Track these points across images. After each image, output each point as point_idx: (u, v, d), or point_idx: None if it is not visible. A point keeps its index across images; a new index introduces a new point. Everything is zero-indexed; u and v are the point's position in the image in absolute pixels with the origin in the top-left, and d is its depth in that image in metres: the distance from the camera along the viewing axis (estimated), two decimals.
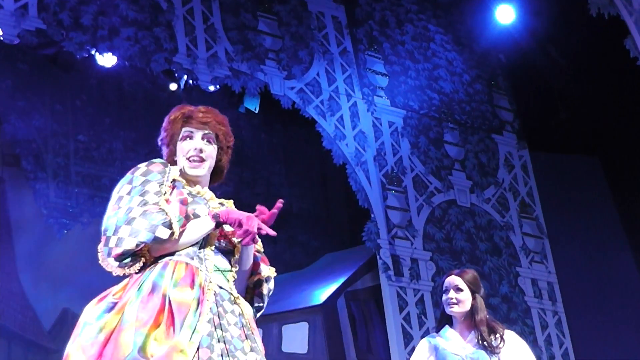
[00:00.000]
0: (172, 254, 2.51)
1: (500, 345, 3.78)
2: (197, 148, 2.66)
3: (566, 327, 8.04)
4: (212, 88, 7.26)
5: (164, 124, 2.74)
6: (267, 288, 2.77)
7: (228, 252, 2.63)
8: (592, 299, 8.12)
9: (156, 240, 2.42)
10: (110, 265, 2.46)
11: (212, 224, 2.54)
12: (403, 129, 8.09)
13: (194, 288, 2.44)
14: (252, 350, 2.48)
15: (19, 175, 7.41)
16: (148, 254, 2.48)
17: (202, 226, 2.53)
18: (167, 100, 7.10)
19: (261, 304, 2.77)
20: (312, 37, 7.91)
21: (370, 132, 7.88)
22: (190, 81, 7.21)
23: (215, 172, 2.76)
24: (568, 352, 7.93)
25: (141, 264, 2.47)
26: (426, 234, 7.72)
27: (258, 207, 2.58)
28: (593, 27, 7.36)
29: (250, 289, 2.76)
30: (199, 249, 2.55)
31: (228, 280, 2.59)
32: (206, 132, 2.69)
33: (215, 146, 2.70)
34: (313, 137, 7.77)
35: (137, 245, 2.41)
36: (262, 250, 2.83)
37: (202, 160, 2.66)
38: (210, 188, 2.76)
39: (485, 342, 3.76)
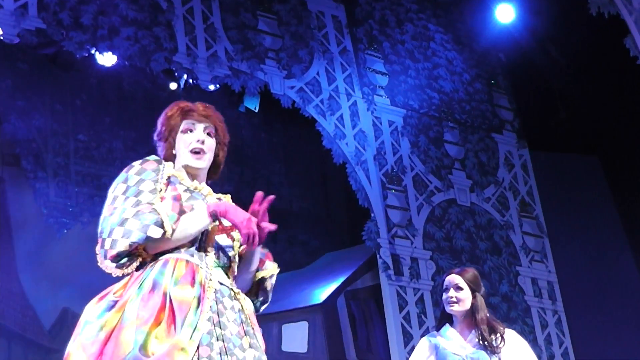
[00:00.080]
0: (172, 250, 2.51)
1: (501, 345, 3.78)
2: (200, 140, 2.67)
3: (566, 327, 8.04)
4: (212, 87, 7.26)
5: (162, 119, 2.75)
6: (270, 284, 2.79)
7: (228, 247, 2.63)
8: (592, 298, 8.12)
9: (148, 239, 2.42)
10: (108, 267, 2.47)
11: (208, 220, 2.54)
12: (403, 128, 8.09)
13: (195, 286, 2.44)
14: (250, 346, 2.48)
15: (19, 175, 7.40)
16: (145, 253, 2.48)
17: (197, 221, 2.53)
18: (167, 100, 7.04)
19: (266, 299, 2.79)
20: (312, 37, 7.91)
21: (370, 131, 7.88)
22: (190, 80, 7.21)
23: (212, 168, 2.77)
24: (568, 351, 7.94)
25: (138, 262, 2.47)
26: (426, 233, 7.72)
27: (255, 198, 2.58)
28: (593, 26, 7.36)
29: (254, 285, 2.77)
30: (200, 245, 2.55)
31: (228, 276, 2.59)
32: (207, 125, 2.71)
33: (215, 140, 2.73)
34: (313, 136, 7.76)
35: (130, 246, 2.42)
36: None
37: (204, 152, 2.68)
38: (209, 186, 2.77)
39: (485, 342, 3.75)
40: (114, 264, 2.45)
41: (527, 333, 7.57)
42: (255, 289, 2.76)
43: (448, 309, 3.87)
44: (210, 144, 2.71)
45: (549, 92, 8.72)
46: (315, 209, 8.76)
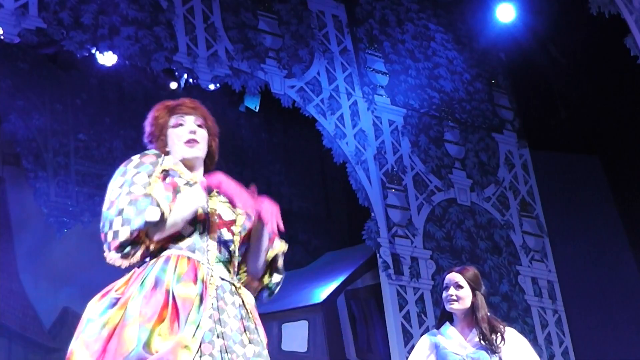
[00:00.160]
0: (173, 246, 2.52)
1: (501, 345, 3.77)
2: (192, 130, 2.70)
3: (566, 326, 8.04)
4: (212, 87, 7.26)
5: (150, 120, 2.77)
6: (282, 262, 2.80)
7: (229, 241, 2.63)
8: (592, 298, 8.12)
9: (148, 223, 2.42)
10: (113, 258, 2.46)
11: (203, 194, 2.55)
12: (403, 128, 8.09)
13: (197, 283, 2.45)
14: (251, 342, 2.49)
15: (19, 175, 7.41)
16: (147, 239, 2.48)
17: (193, 198, 2.53)
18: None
19: (280, 278, 2.80)
20: (313, 36, 7.91)
21: (371, 130, 7.88)
22: (191, 80, 7.21)
23: (206, 160, 2.78)
24: (568, 350, 7.94)
25: (142, 250, 2.47)
26: (426, 232, 7.72)
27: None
28: (593, 26, 7.36)
29: (267, 266, 2.78)
30: (201, 240, 2.56)
31: (229, 271, 2.59)
32: (196, 116, 2.74)
33: (206, 131, 2.75)
34: (313, 136, 7.77)
35: (132, 234, 2.41)
36: None
37: (197, 141, 2.70)
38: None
39: (486, 341, 3.75)
40: (119, 254, 2.44)
41: (527, 332, 7.57)
42: (269, 269, 2.77)
43: (448, 307, 3.86)
44: (202, 134, 2.73)
45: (550, 92, 8.72)
46: (316, 208, 8.77)
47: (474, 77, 8.77)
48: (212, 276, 2.50)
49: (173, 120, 2.73)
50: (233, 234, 2.64)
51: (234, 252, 2.64)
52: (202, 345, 2.36)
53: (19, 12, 6.39)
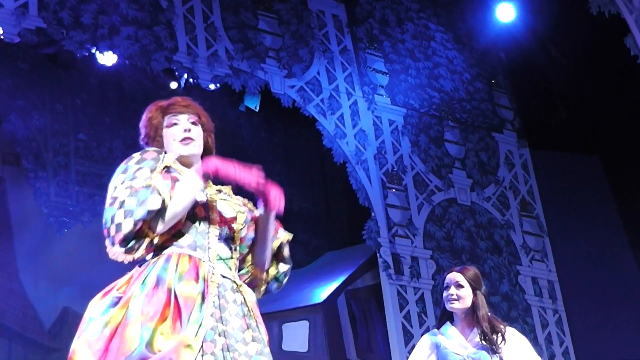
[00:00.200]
0: (174, 243, 2.51)
1: (502, 345, 3.77)
2: (186, 129, 2.70)
3: (566, 326, 8.04)
4: (212, 87, 7.26)
5: (144, 122, 2.78)
6: (288, 251, 2.82)
7: (229, 239, 2.63)
8: (593, 298, 8.12)
9: (151, 212, 2.42)
10: (117, 253, 2.45)
11: (201, 181, 2.55)
12: (403, 128, 8.09)
13: (199, 281, 2.45)
14: (253, 340, 2.49)
15: (19, 174, 7.41)
16: (150, 232, 2.46)
17: (191, 184, 2.52)
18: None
19: (287, 267, 2.82)
20: (313, 36, 7.91)
21: (371, 130, 7.88)
22: (191, 80, 7.20)
23: (204, 156, 2.77)
24: (568, 350, 7.93)
25: (146, 244, 2.46)
26: (426, 232, 7.72)
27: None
28: (593, 26, 7.37)
29: (274, 255, 2.79)
30: (202, 237, 2.55)
31: (230, 268, 2.59)
32: (190, 114, 2.74)
33: (200, 127, 2.75)
34: (313, 135, 7.77)
35: (135, 225, 2.40)
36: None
37: (193, 139, 2.70)
38: None
39: (487, 340, 3.75)
40: (123, 249, 2.43)
41: (528, 332, 7.56)
42: (275, 260, 2.79)
43: (448, 306, 3.86)
44: (197, 131, 2.73)
45: (550, 91, 8.72)
46: (316, 208, 8.76)
47: (474, 77, 8.77)
48: (213, 274, 2.50)
49: (167, 120, 2.73)
50: (234, 232, 2.64)
51: (235, 249, 2.64)
52: (204, 344, 2.35)
53: (18, 11, 6.38)
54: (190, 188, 2.52)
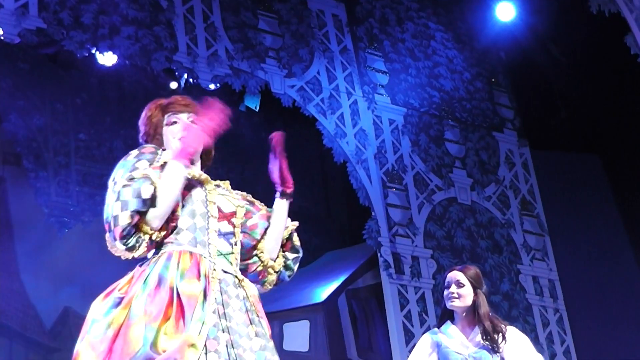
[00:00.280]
0: (174, 241, 2.51)
1: (502, 344, 3.77)
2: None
3: (567, 325, 8.03)
4: (212, 86, 7.26)
5: (143, 120, 2.78)
6: (297, 238, 2.89)
7: (229, 234, 2.63)
8: (594, 296, 8.12)
9: (145, 202, 2.41)
10: (119, 250, 2.45)
11: (175, 162, 2.53)
12: (404, 127, 8.09)
13: (201, 279, 2.44)
14: (257, 335, 2.48)
15: (20, 174, 7.41)
16: (148, 227, 2.45)
17: (171, 169, 2.51)
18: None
19: (297, 256, 2.91)
20: (313, 36, 7.91)
21: (371, 130, 7.88)
22: (191, 80, 7.21)
23: (203, 155, 2.78)
24: (569, 349, 7.93)
25: (146, 241, 2.45)
26: (427, 231, 7.72)
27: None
28: (593, 25, 7.37)
29: (283, 243, 2.83)
30: (202, 233, 2.55)
31: (231, 263, 2.59)
32: (190, 113, 2.74)
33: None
34: (313, 135, 7.77)
35: (132, 217, 2.40)
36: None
37: None
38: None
39: (489, 339, 3.74)
40: (124, 247, 2.43)
41: (529, 331, 7.56)
42: (283, 248, 2.84)
43: (449, 304, 3.86)
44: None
45: (550, 91, 8.73)
46: (316, 207, 8.76)
47: (474, 76, 8.77)
48: (214, 270, 2.50)
49: (167, 119, 2.74)
50: (234, 226, 2.65)
51: (235, 243, 2.64)
52: (207, 342, 2.35)
53: (19, 12, 6.39)
54: (172, 174, 2.50)
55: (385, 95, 8.13)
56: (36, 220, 7.29)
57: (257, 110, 7.62)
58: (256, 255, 2.77)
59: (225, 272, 2.53)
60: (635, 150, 8.15)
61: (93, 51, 6.79)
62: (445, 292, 3.87)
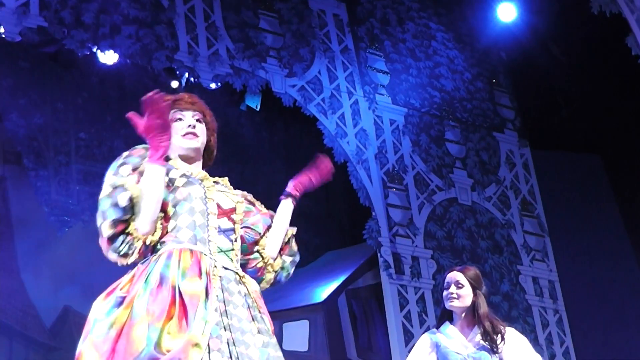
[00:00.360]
0: (174, 239, 2.50)
1: (501, 345, 3.77)
2: (190, 124, 2.72)
3: (567, 326, 8.03)
4: (213, 86, 7.26)
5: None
6: (294, 242, 2.90)
7: (229, 230, 2.63)
8: (594, 297, 8.12)
9: (123, 210, 2.42)
10: (112, 257, 2.47)
11: (151, 164, 2.49)
12: (404, 127, 8.09)
13: (202, 277, 2.43)
14: (259, 332, 2.48)
15: (20, 173, 7.41)
16: (139, 233, 2.46)
17: (149, 170, 2.49)
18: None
19: (293, 259, 2.91)
20: (314, 35, 7.91)
21: (372, 130, 7.88)
22: (192, 79, 7.21)
23: (205, 155, 2.79)
24: (569, 350, 7.93)
25: (140, 247, 2.45)
26: (427, 232, 7.72)
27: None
28: (594, 25, 7.37)
29: (282, 247, 2.84)
30: (201, 231, 2.54)
31: (232, 260, 2.58)
32: (195, 112, 2.75)
33: (204, 125, 2.77)
34: (314, 135, 7.76)
35: (113, 225, 2.41)
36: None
37: (196, 135, 2.72)
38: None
39: (488, 339, 3.74)
40: (116, 254, 2.45)
41: (528, 332, 7.56)
42: (281, 251, 2.84)
43: (448, 304, 3.86)
44: (201, 128, 2.75)
45: (551, 91, 8.72)
46: (316, 207, 8.75)
47: (474, 76, 8.77)
48: (215, 267, 2.49)
49: (172, 115, 2.72)
50: (234, 222, 2.64)
51: (235, 240, 2.64)
52: (210, 341, 2.34)
53: (20, 10, 6.39)
54: (149, 176, 2.48)
55: (386, 95, 8.13)
56: (36, 219, 7.29)
57: (258, 109, 7.62)
58: (257, 251, 2.77)
59: (226, 268, 2.53)
60: (635, 150, 8.15)
61: (94, 50, 6.79)
62: (445, 293, 3.87)
